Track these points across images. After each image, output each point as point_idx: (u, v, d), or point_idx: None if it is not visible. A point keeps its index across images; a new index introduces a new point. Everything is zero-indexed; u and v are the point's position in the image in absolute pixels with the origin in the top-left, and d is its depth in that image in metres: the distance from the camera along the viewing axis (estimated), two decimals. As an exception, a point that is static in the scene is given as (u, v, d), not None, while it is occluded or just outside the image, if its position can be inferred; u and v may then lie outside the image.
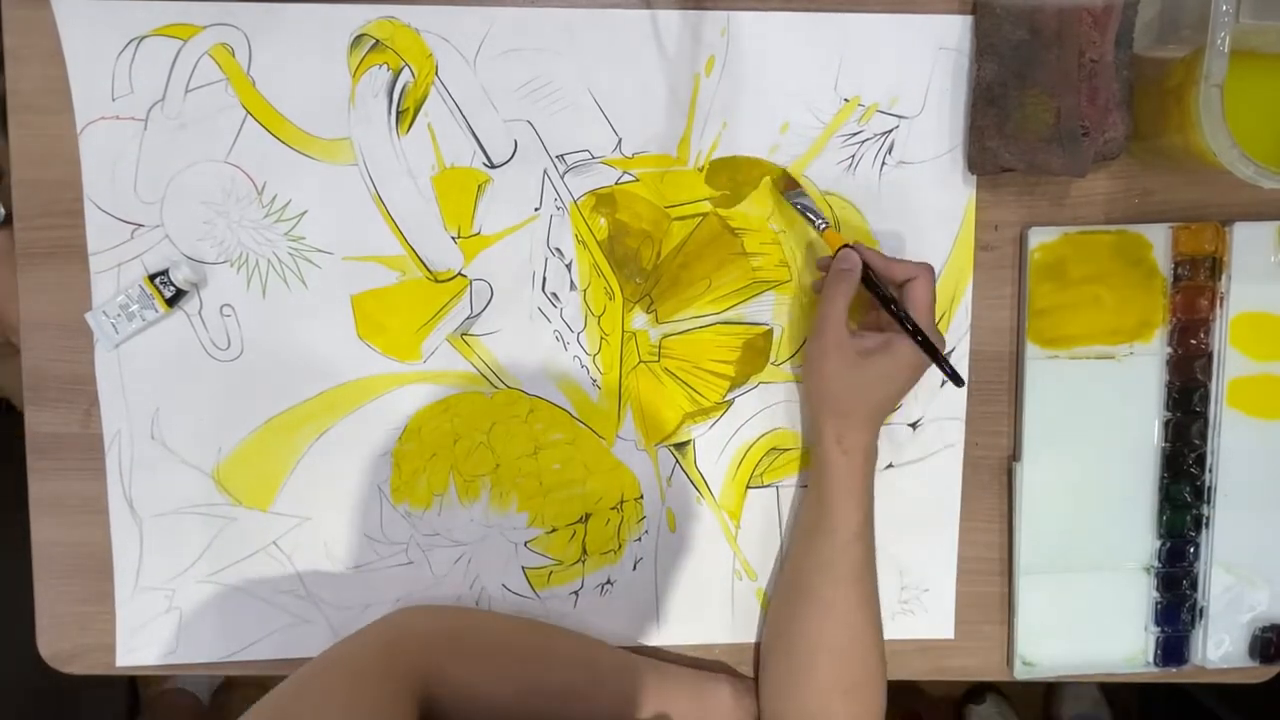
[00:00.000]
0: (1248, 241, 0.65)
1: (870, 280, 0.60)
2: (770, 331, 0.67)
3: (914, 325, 0.58)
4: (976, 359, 0.68)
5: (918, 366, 0.60)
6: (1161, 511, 0.67)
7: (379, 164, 0.64)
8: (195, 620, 0.67)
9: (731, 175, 0.65)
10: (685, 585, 0.69)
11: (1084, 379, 0.67)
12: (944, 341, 0.61)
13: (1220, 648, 0.68)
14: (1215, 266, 0.66)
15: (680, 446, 0.68)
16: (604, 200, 0.65)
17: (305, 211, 0.64)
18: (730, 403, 0.67)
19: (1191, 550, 0.67)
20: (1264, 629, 0.68)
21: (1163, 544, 0.68)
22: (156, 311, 0.63)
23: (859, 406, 0.60)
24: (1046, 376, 0.67)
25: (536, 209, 0.65)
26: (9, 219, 0.64)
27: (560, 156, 0.65)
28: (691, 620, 0.69)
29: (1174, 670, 0.69)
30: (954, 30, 0.65)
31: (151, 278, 0.63)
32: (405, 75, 0.63)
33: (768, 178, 0.65)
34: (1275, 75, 0.59)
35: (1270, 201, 0.67)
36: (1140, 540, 0.68)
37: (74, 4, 0.62)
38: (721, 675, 0.67)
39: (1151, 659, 0.69)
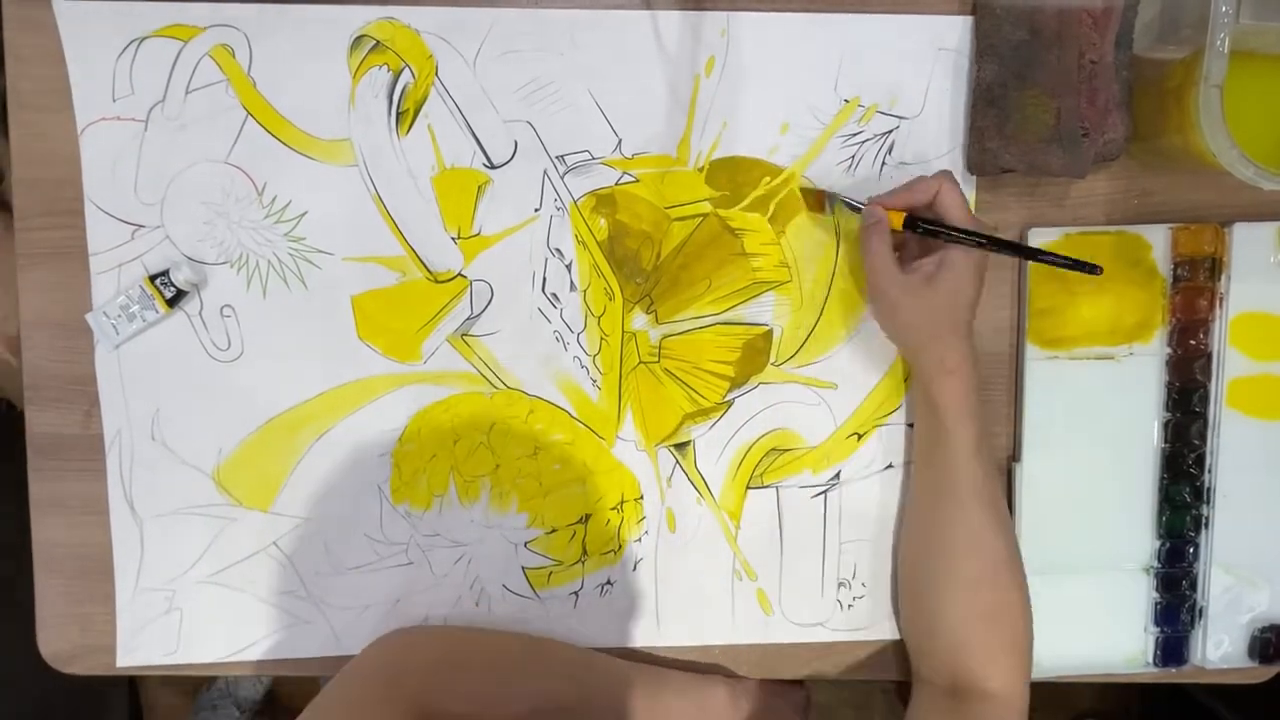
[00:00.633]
0: (1247, 242, 0.65)
1: (915, 224, 0.60)
2: (770, 332, 0.67)
3: (980, 238, 0.59)
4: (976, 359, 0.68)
5: (980, 265, 0.60)
6: (1161, 512, 0.67)
7: (379, 165, 0.64)
8: (196, 621, 0.67)
9: (731, 176, 0.65)
10: (685, 586, 0.69)
11: (1084, 379, 0.67)
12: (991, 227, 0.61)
13: (1220, 648, 0.68)
14: (1215, 267, 0.66)
15: (680, 447, 0.68)
16: (604, 201, 0.65)
17: (305, 212, 0.64)
18: (730, 403, 0.67)
19: (1191, 551, 0.67)
20: (1263, 629, 0.68)
21: (1162, 544, 0.68)
22: (157, 312, 0.63)
23: (945, 324, 0.60)
24: (1046, 377, 0.67)
25: (536, 210, 0.65)
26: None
27: (560, 157, 0.65)
28: (691, 620, 0.69)
29: (1173, 671, 0.69)
30: (954, 31, 0.65)
31: (152, 278, 0.63)
32: (405, 76, 0.63)
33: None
34: (1275, 75, 0.60)
35: (1270, 202, 0.67)
36: (1140, 540, 0.68)
37: (75, 4, 0.62)
38: (717, 677, 0.67)
39: (1151, 659, 0.69)
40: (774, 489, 0.68)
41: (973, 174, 0.65)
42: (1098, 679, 0.71)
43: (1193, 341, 0.66)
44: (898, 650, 0.70)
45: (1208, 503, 0.67)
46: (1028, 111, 0.62)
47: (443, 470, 0.67)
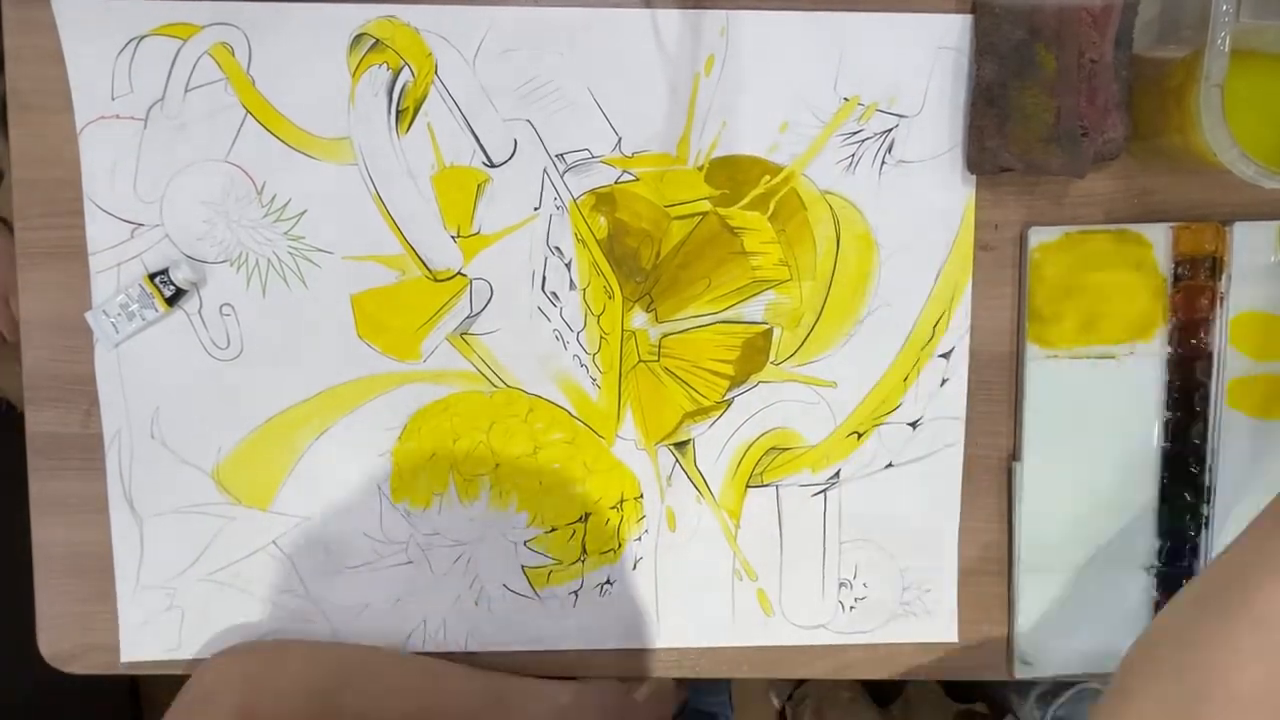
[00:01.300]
0: (1248, 241, 0.65)
1: None
2: (770, 331, 0.67)
3: None
4: (976, 359, 0.68)
5: None
6: (1161, 511, 0.67)
7: (379, 163, 0.64)
8: (197, 619, 0.67)
9: (731, 174, 0.65)
10: (685, 585, 0.69)
11: (1084, 379, 0.66)
12: None
13: (1220, 648, 0.68)
14: (1215, 266, 0.65)
15: (680, 446, 0.68)
16: (603, 199, 0.65)
17: (305, 211, 0.64)
18: (730, 402, 0.67)
19: (1191, 550, 0.67)
20: (1264, 629, 0.68)
21: (1163, 544, 0.68)
22: (156, 311, 0.63)
23: None
24: (1046, 376, 0.67)
25: (536, 208, 0.65)
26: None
27: (560, 156, 0.65)
28: (691, 620, 0.69)
29: (1174, 670, 0.69)
30: (954, 30, 0.65)
31: (151, 277, 0.63)
32: (405, 74, 0.63)
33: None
34: (1275, 75, 0.59)
35: (1270, 201, 0.67)
36: (1140, 540, 0.68)
37: (74, 4, 0.62)
38: (638, 684, 0.66)
39: (1151, 659, 0.69)
40: (774, 488, 0.68)
41: (972, 173, 0.65)
42: (1098, 678, 0.71)
43: (1193, 341, 0.66)
44: (900, 651, 0.70)
45: (1208, 502, 0.67)
46: (1027, 111, 0.62)
47: (442, 469, 0.67)
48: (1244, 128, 0.55)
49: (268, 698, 0.58)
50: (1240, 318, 0.66)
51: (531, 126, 0.64)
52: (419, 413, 0.66)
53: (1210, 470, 0.67)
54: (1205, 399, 0.66)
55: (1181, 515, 0.67)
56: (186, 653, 0.68)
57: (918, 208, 0.66)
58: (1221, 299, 0.66)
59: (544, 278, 0.66)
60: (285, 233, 0.64)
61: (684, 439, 0.68)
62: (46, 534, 0.67)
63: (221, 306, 0.65)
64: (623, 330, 0.66)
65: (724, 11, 0.64)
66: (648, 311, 0.66)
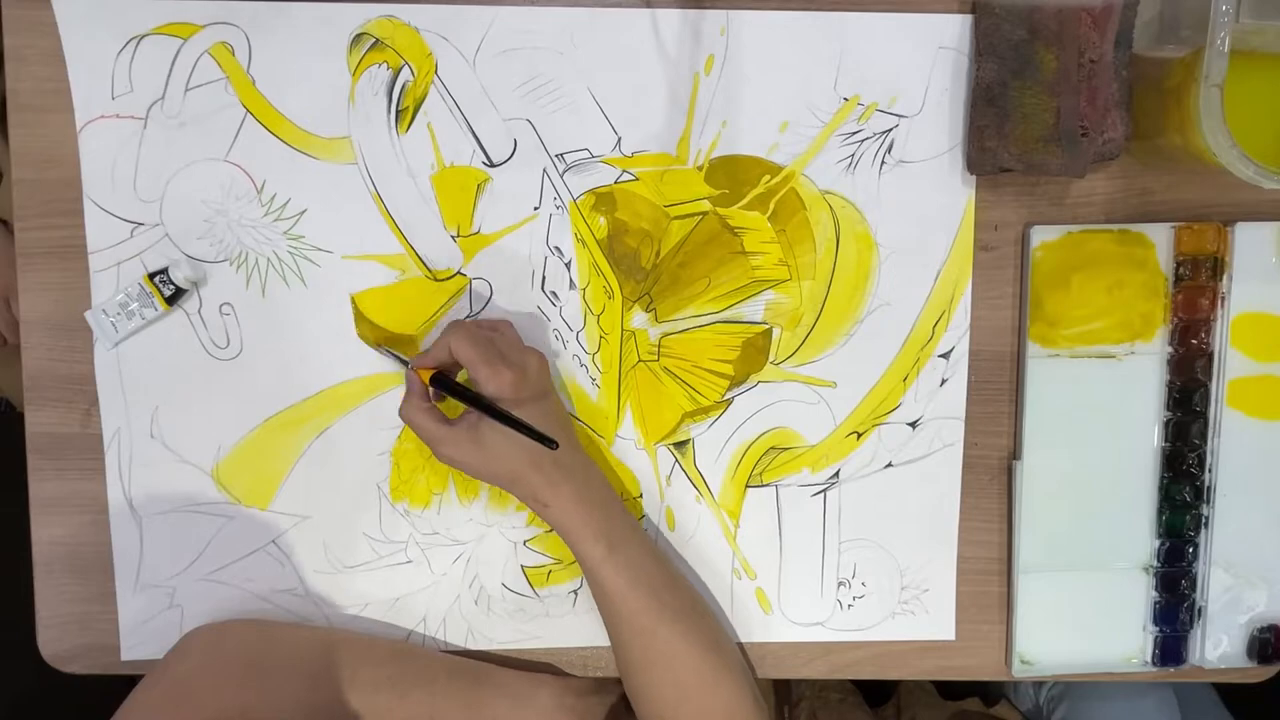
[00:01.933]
0: (1249, 242, 0.65)
1: (440, 383, 0.59)
2: (770, 330, 0.67)
3: (471, 399, 0.57)
4: (976, 359, 0.68)
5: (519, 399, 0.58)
6: (1161, 511, 0.67)
7: (379, 163, 0.64)
8: (196, 618, 0.67)
9: (731, 174, 0.65)
10: (684, 584, 0.69)
11: (1084, 378, 0.66)
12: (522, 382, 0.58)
13: (1218, 648, 0.68)
14: (1217, 267, 0.65)
15: (680, 445, 0.68)
16: (603, 199, 0.65)
17: (305, 210, 0.64)
18: (729, 402, 0.67)
19: (1191, 550, 0.67)
20: (1262, 630, 0.68)
21: (1162, 544, 0.68)
22: (156, 310, 0.63)
23: (513, 464, 0.58)
24: (1047, 376, 0.67)
25: (536, 208, 0.65)
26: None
27: (560, 155, 0.65)
28: (691, 619, 0.69)
29: (1172, 670, 0.69)
30: (954, 30, 0.65)
31: (151, 276, 0.63)
32: (405, 74, 0.63)
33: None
34: (1275, 75, 0.59)
35: (1271, 202, 0.67)
36: (1140, 540, 0.68)
37: (74, 3, 0.62)
38: (545, 676, 0.66)
39: (1150, 659, 0.69)
40: (773, 488, 0.68)
41: (972, 173, 0.65)
42: (1096, 678, 0.71)
43: (1194, 341, 0.66)
44: (899, 651, 0.70)
45: (1208, 502, 0.67)
46: (1027, 110, 0.62)
47: (441, 469, 0.67)
48: (1244, 128, 0.55)
49: (200, 683, 0.59)
50: (1241, 318, 0.66)
51: (531, 126, 0.64)
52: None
53: (1210, 470, 0.67)
54: (1205, 399, 0.66)
55: (1181, 515, 0.67)
56: (186, 652, 0.68)
57: (917, 208, 0.66)
58: (1222, 299, 0.66)
59: (543, 277, 0.66)
60: (285, 232, 0.64)
61: (683, 439, 0.68)
62: (46, 534, 0.67)
63: (221, 306, 0.65)
64: (622, 330, 0.66)
65: (724, 11, 0.64)
66: (647, 311, 0.66)
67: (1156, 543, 0.68)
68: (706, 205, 0.66)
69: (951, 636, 0.70)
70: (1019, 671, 0.69)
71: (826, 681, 1.15)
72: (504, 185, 0.65)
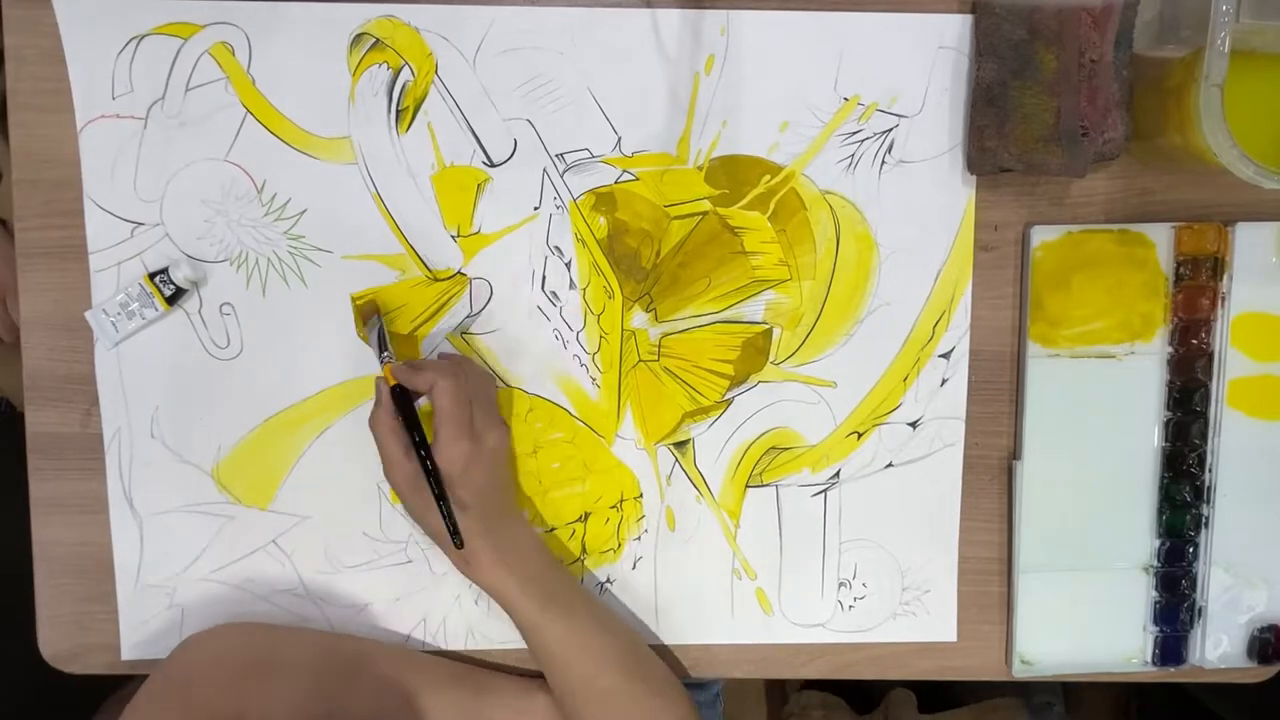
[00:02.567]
0: (1249, 242, 0.65)
1: (401, 409, 0.58)
2: (770, 330, 0.67)
3: (423, 462, 0.57)
4: (976, 359, 0.68)
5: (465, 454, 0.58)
6: (1161, 511, 0.67)
7: (379, 163, 0.64)
8: (197, 618, 0.67)
9: (731, 174, 0.65)
10: (684, 584, 0.69)
11: (1085, 378, 0.66)
12: (469, 453, 0.58)
13: (1218, 648, 0.68)
14: (1217, 267, 0.65)
15: (680, 445, 0.68)
16: (603, 199, 0.65)
17: (305, 210, 0.64)
18: (730, 402, 0.67)
19: (1191, 550, 0.67)
20: (1262, 630, 0.68)
21: (1162, 544, 0.68)
22: (156, 310, 0.63)
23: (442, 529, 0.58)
24: (1047, 376, 0.67)
25: (536, 208, 0.65)
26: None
27: (560, 155, 0.65)
28: (690, 619, 0.69)
29: (1172, 670, 0.69)
30: (954, 29, 0.65)
31: (151, 276, 0.63)
32: (405, 74, 0.63)
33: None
34: (1275, 75, 0.59)
35: (1271, 202, 0.67)
36: (1140, 540, 0.68)
37: (74, 3, 0.62)
38: (543, 681, 0.65)
39: (1150, 659, 0.69)
40: (773, 488, 0.68)
41: (972, 173, 0.65)
42: (1096, 678, 0.71)
43: (1194, 341, 0.66)
44: (899, 651, 0.70)
45: (1208, 502, 0.67)
46: (1027, 110, 0.62)
47: (442, 469, 0.66)
48: (1244, 128, 0.55)
49: (201, 680, 0.59)
50: (1241, 318, 0.66)
51: (531, 126, 0.64)
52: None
53: (1210, 470, 0.67)
54: (1205, 399, 0.66)
55: (1181, 515, 0.67)
56: (186, 652, 0.68)
57: (917, 208, 0.66)
58: (1223, 299, 0.66)
59: (544, 277, 0.66)
60: (285, 232, 0.64)
61: (684, 439, 0.68)
62: (46, 534, 0.67)
63: (221, 306, 0.65)
64: (622, 330, 0.66)
65: (724, 11, 0.64)
66: (647, 311, 0.66)
67: (1156, 543, 0.68)
68: (707, 205, 0.66)
69: (953, 638, 0.70)
70: (1019, 672, 0.69)
71: (810, 697, 1.16)
72: (504, 185, 0.65)
